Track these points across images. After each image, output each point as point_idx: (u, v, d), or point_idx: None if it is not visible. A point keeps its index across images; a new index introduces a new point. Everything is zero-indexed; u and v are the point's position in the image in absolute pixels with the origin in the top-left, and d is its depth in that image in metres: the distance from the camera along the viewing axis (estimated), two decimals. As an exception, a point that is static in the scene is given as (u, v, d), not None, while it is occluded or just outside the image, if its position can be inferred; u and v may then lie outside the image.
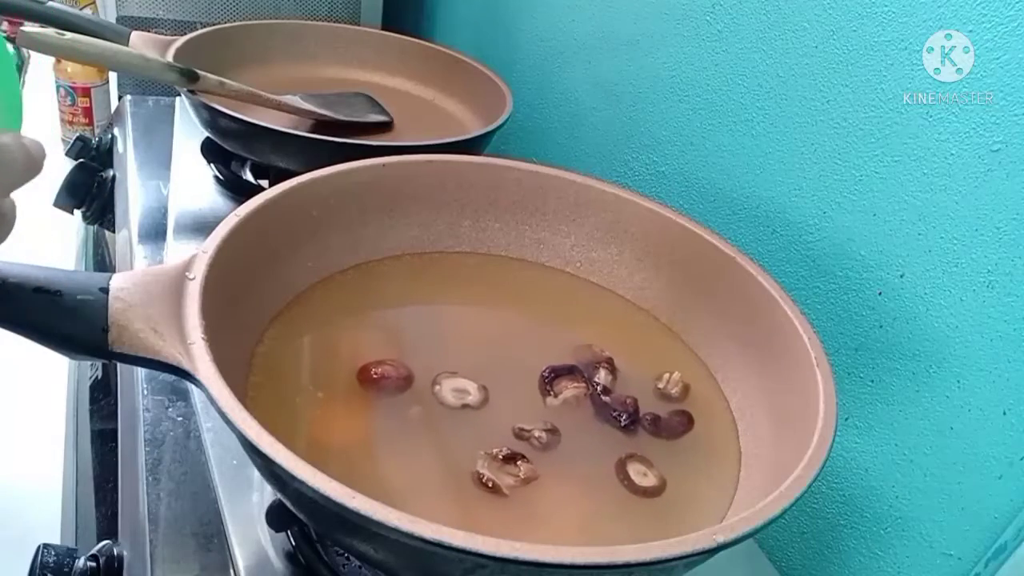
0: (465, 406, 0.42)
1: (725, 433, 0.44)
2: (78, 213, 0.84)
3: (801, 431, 0.36)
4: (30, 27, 0.57)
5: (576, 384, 0.44)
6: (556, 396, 0.43)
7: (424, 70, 0.84)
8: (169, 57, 0.67)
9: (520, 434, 0.41)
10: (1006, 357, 0.41)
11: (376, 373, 0.42)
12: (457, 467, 0.39)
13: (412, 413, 0.41)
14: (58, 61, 1.21)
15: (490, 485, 0.38)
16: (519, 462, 0.39)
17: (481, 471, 0.38)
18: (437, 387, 0.42)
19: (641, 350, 0.49)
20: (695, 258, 0.49)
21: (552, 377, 0.44)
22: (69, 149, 0.88)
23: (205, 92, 0.64)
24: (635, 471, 0.40)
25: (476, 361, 0.45)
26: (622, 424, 0.42)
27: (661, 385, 0.46)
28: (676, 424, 0.44)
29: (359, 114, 0.74)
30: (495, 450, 0.39)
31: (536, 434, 0.41)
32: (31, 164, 0.30)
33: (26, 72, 1.48)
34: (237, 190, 0.72)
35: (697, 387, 0.46)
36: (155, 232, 0.67)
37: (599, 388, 0.44)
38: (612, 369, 0.46)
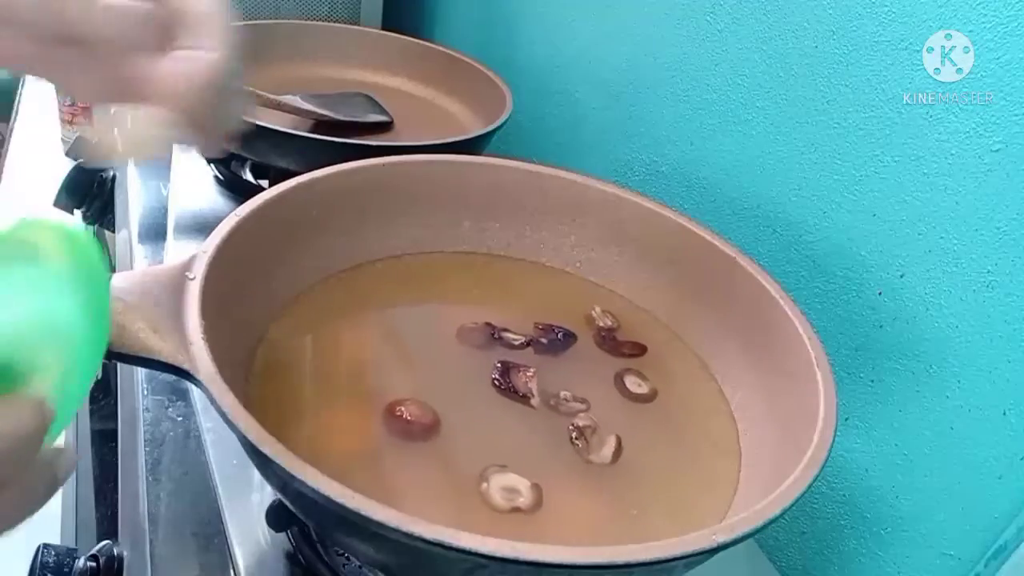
0: (515, 509, 0.37)
1: (725, 433, 0.44)
2: (78, 213, 0.84)
3: (801, 431, 0.36)
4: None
5: (524, 371, 0.44)
6: (534, 395, 0.43)
7: (424, 70, 0.84)
8: (169, 57, 0.67)
9: (578, 428, 0.42)
10: (1006, 357, 0.41)
11: (400, 411, 0.40)
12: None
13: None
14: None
15: (619, 445, 0.41)
16: (586, 428, 0.41)
17: (609, 450, 0.40)
18: (485, 484, 0.38)
19: (665, 364, 0.49)
20: (695, 258, 0.49)
21: (507, 384, 0.43)
22: (69, 149, 0.88)
23: (205, 92, 0.64)
24: (631, 383, 0.46)
25: (477, 364, 0.45)
26: (569, 335, 0.47)
27: (601, 323, 0.49)
28: (629, 346, 0.48)
29: (359, 114, 0.74)
30: (576, 439, 0.41)
31: (569, 400, 0.43)
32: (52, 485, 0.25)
33: (26, 72, 1.48)
34: (237, 190, 0.72)
35: (697, 386, 0.47)
36: (155, 232, 0.67)
37: (528, 343, 0.46)
38: (502, 327, 0.47)
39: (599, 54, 0.73)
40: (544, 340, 0.47)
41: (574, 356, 0.47)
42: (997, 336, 0.42)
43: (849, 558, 0.51)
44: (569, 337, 0.48)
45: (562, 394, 0.43)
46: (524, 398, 0.43)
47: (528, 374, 0.44)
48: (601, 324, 0.50)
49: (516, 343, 0.47)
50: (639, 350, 0.48)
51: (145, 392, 0.50)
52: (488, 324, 0.47)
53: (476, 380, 0.44)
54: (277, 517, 0.41)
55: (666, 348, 0.49)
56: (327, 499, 0.28)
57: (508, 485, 0.38)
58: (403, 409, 0.40)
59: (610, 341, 0.48)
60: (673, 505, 0.39)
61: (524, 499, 0.37)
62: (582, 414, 0.42)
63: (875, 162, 0.47)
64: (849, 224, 0.49)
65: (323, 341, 0.45)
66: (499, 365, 0.44)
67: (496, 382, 0.43)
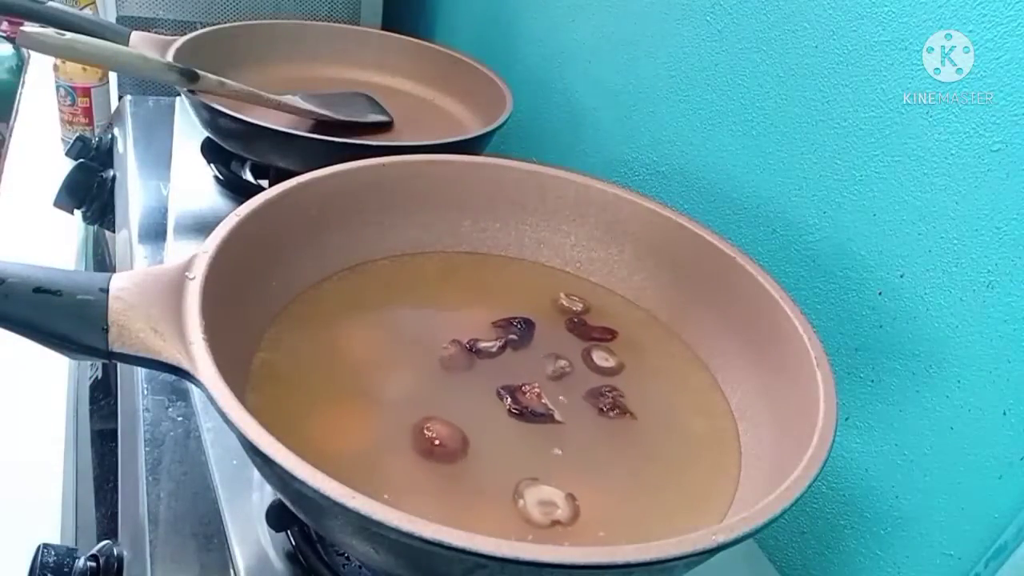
0: (555, 522, 0.37)
1: (725, 433, 0.44)
2: (78, 213, 0.84)
3: (801, 431, 0.36)
4: (30, 27, 0.57)
5: (530, 386, 0.44)
6: (554, 409, 0.42)
7: (424, 70, 0.84)
8: (169, 57, 0.67)
9: (595, 394, 0.44)
10: (1006, 357, 0.41)
11: (429, 431, 0.40)
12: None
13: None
14: (60, 61, 1.21)
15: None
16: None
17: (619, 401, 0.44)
18: (520, 501, 0.37)
19: (641, 349, 0.49)
20: (695, 258, 0.49)
21: (524, 409, 0.42)
22: (69, 149, 0.88)
23: (205, 92, 0.64)
24: (598, 357, 0.47)
25: (482, 368, 0.45)
26: (528, 323, 0.48)
27: (578, 310, 0.51)
28: (599, 331, 0.49)
29: (359, 114, 0.74)
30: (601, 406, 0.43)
31: (568, 367, 0.45)
32: None
33: (26, 72, 1.48)
34: (237, 190, 0.72)
35: (696, 385, 0.47)
36: (155, 232, 0.67)
37: (505, 345, 0.47)
38: (472, 340, 0.46)
39: (599, 54, 0.73)
40: (515, 336, 0.47)
41: (548, 345, 0.48)
42: (997, 336, 0.42)
43: (849, 558, 0.51)
44: (529, 325, 0.48)
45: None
46: (548, 417, 0.42)
47: (535, 391, 0.43)
48: (574, 309, 0.50)
49: (493, 349, 0.46)
50: (609, 334, 0.49)
51: (145, 392, 0.50)
52: (455, 341, 0.46)
53: (479, 387, 0.44)
54: (277, 517, 0.41)
55: (665, 347, 0.49)
56: (327, 499, 0.28)
57: (544, 499, 0.37)
58: (431, 429, 0.39)
59: (580, 326, 0.49)
60: (673, 504, 0.39)
61: (562, 511, 0.37)
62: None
63: (875, 162, 0.47)
64: (849, 224, 0.49)
65: (323, 341, 0.45)
66: (504, 393, 0.43)
67: (514, 412, 0.42)
